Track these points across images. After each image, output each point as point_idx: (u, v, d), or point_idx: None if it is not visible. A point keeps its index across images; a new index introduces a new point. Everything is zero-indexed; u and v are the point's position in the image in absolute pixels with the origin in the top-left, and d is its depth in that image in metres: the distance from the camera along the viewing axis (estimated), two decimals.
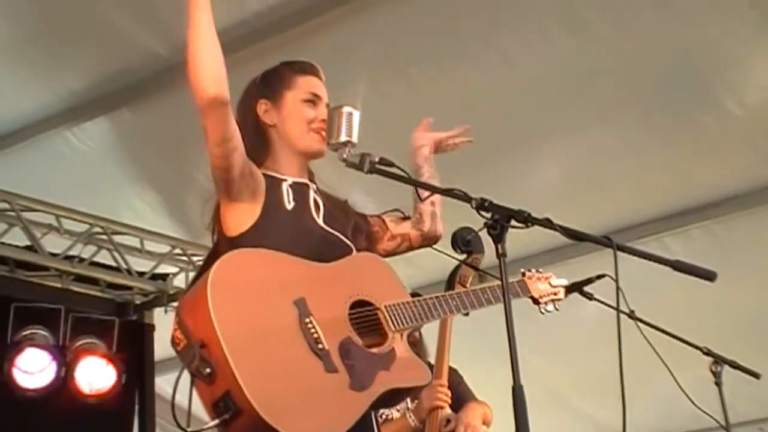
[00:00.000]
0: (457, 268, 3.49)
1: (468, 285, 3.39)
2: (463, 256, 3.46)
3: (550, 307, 3.37)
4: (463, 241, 3.38)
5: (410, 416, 3.90)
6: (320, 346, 2.56)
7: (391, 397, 2.70)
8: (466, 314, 3.09)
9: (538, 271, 3.42)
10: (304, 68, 3.04)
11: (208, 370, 2.43)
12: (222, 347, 2.41)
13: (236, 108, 3.03)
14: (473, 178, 5.23)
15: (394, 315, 2.78)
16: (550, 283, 3.39)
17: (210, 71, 2.66)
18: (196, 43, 2.66)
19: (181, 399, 2.53)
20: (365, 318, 2.74)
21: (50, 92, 5.66)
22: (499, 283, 3.06)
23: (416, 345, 3.99)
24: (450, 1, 4.95)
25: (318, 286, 2.68)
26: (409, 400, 3.92)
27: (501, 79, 5.30)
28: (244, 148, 2.75)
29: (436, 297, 2.93)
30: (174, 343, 2.56)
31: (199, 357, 2.44)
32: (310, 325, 2.58)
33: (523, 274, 3.28)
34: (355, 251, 2.89)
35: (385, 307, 2.78)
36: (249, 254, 2.65)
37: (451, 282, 3.46)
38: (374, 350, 2.70)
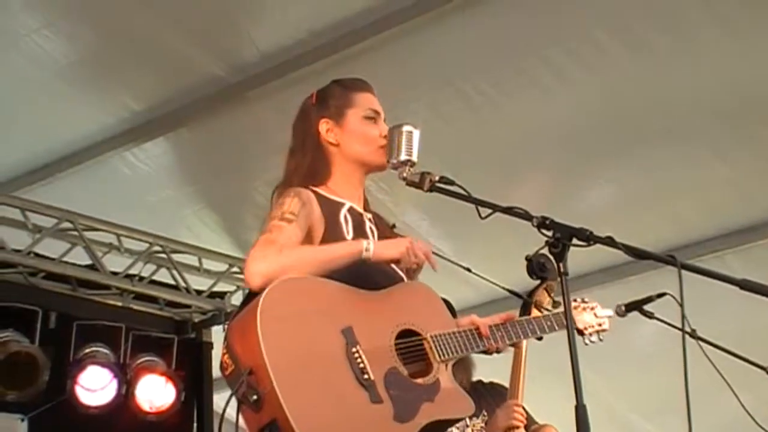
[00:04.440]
0: (531, 293, 3.45)
1: (543, 310, 3.36)
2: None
3: (594, 338, 3.33)
4: (540, 266, 3.32)
5: None
6: (366, 376, 2.56)
7: (434, 429, 2.68)
8: (512, 345, 3.06)
9: (583, 300, 3.39)
10: (360, 85, 3.06)
11: (255, 397, 2.45)
12: (270, 376, 2.42)
13: (294, 128, 3.05)
14: (532, 196, 5.24)
15: (440, 345, 2.77)
16: (595, 314, 3.36)
17: (269, 275, 2.61)
18: (302, 266, 2.64)
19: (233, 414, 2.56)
20: (411, 348, 2.73)
21: (110, 114, 5.75)
22: (546, 314, 3.07)
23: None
24: (503, 19, 4.94)
25: (366, 314, 2.68)
26: (468, 419, 3.91)
27: (558, 97, 5.27)
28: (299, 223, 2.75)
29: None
30: (222, 367, 2.58)
31: (247, 384, 2.46)
32: (356, 355, 2.58)
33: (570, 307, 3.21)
34: (405, 279, 2.89)
35: (431, 336, 2.77)
36: (298, 282, 2.62)
37: (526, 307, 3.42)
38: (419, 381, 2.69)
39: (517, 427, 3.79)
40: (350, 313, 2.65)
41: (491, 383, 4.21)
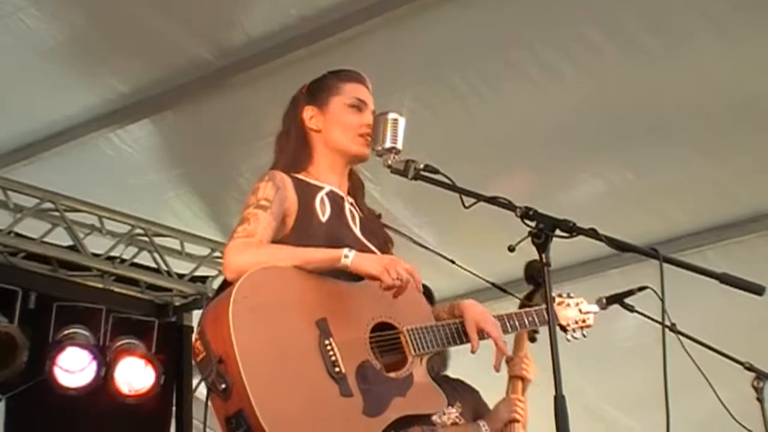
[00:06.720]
0: (527, 297, 3.44)
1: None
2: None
3: (578, 334, 3.32)
4: (537, 273, 3.32)
5: (485, 427, 3.89)
6: (337, 369, 2.56)
7: (404, 423, 2.68)
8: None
9: (569, 295, 3.38)
10: (351, 76, 3.06)
11: (223, 386, 2.45)
12: (239, 366, 2.42)
13: (283, 116, 3.06)
14: (518, 189, 5.23)
15: (416, 339, 2.76)
16: (580, 310, 3.35)
17: (245, 270, 2.60)
18: (275, 260, 2.63)
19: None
20: (387, 341, 2.73)
21: (95, 94, 5.71)
22: (528, 310, 3.07)
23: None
24: (494, 11, 4.93)
25: (341, 306, 2.67)
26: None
27: (547, 91, 5.27)
28: (272, 217, 2.75)
29: (461, 322, 2.89)
30: (194, 353, 2.58)
31: (216, 372, 2.46)
32: (329, 347, 2.57)
33: (552, 300, 3.22)
34: None
35: (407, 330, 2.76)
36: (274, 271, 2.61)
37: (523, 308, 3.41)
38: (392, 375, 2.69)
39: (518, 421, 3.79)
40: (325, 305, 2.63)
41: (458, 380, 4.22)
